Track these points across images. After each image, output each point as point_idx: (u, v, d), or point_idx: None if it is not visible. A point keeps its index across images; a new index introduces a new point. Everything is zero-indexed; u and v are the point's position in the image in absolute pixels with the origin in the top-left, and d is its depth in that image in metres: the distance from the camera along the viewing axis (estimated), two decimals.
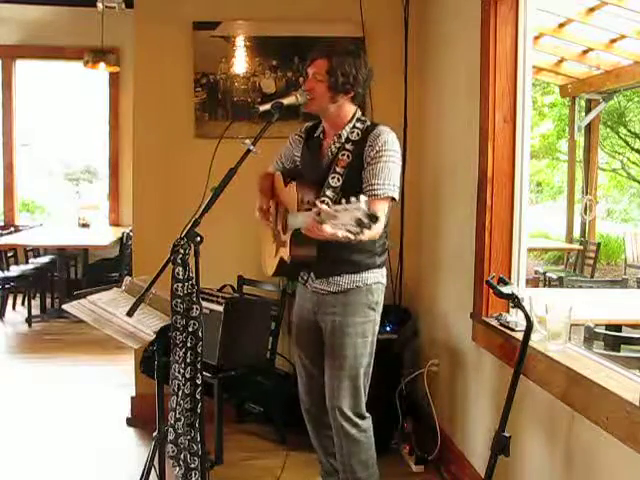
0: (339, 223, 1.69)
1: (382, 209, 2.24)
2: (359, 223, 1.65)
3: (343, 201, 1.71)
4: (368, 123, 2.40)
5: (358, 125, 2.39)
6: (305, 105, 2.34)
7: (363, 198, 1.66)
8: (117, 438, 3.41)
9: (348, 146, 2.35)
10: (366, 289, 2.41)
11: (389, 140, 2.31)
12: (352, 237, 1.72)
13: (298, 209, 2.26)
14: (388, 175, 2.27)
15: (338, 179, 2.30)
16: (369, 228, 1.66)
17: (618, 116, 11.57)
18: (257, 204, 2.50)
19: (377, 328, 2.47)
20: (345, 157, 2.34)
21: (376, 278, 2.43)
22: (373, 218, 1.64)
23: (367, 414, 2.46)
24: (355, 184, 2.27)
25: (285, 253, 2.33)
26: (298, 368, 2.64)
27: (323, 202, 2.05)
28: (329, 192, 2.28)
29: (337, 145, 2.38)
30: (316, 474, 2.77)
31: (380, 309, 2.47)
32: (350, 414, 2.41)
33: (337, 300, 2.40)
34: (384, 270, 2.48)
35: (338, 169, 2.32)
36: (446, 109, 3.24)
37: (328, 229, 1.76)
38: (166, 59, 3.51)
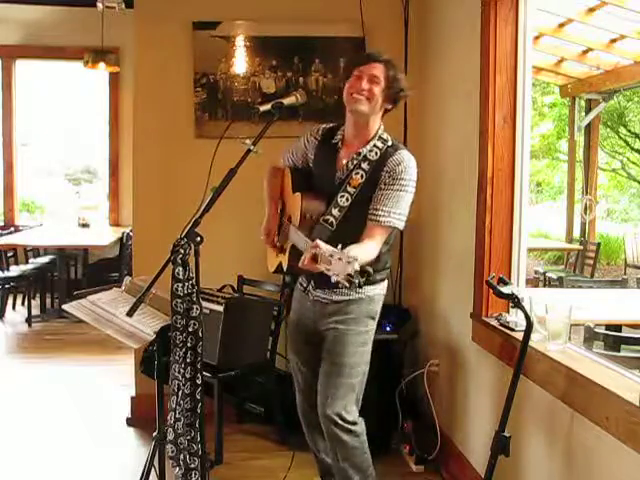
0: (331, 269, 1.68)
1: (380, 236, 2.23)
2: (349, 279, 1.66)
3: (339, 246, 1.71)
4: (389, 143, 2.32)
5: (378, 144, 2.31)
6: (355, 103, 2.24)
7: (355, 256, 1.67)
8: (117, 438, 3.41)
9: (364, 165, 2.29)
10: (368, 299, 2.39)
11: (408, 168, 2.25)
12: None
13: (300, 223, 2.24)
14: (396, 204, 2.22)
15: (347, 199, 2.25)
16: (359, 286, 1.70)
17: (618, 116, 11.57)
18: (264, 223, 2.47)
19: (372, 337, 2.45)
20: (359, 177, 2.27)
21: (377, 290, 2.42)
22: (364, 275, 1.67)
23: (359, 419, 2.42)
24: (363, 206, 2.24)
25: (284, 260, 2.32)
26: (294, 373, 2.63)
27: (324, 230, 2.17)
28: (335, 211, 2.25)
29: (354, 162, 2.31)
30: (316, 474, 2.77)
31: (377, 317, 2.46)
32: (342, 422, 2.35)
33: (340, 309, 2.38)
34: (385, 283, 2.46)
35: (349, 188, 2.26)
36: (446, 109, 3.24)
37: (321, 269, 1.74)
38: (166, 59, 3.51)
